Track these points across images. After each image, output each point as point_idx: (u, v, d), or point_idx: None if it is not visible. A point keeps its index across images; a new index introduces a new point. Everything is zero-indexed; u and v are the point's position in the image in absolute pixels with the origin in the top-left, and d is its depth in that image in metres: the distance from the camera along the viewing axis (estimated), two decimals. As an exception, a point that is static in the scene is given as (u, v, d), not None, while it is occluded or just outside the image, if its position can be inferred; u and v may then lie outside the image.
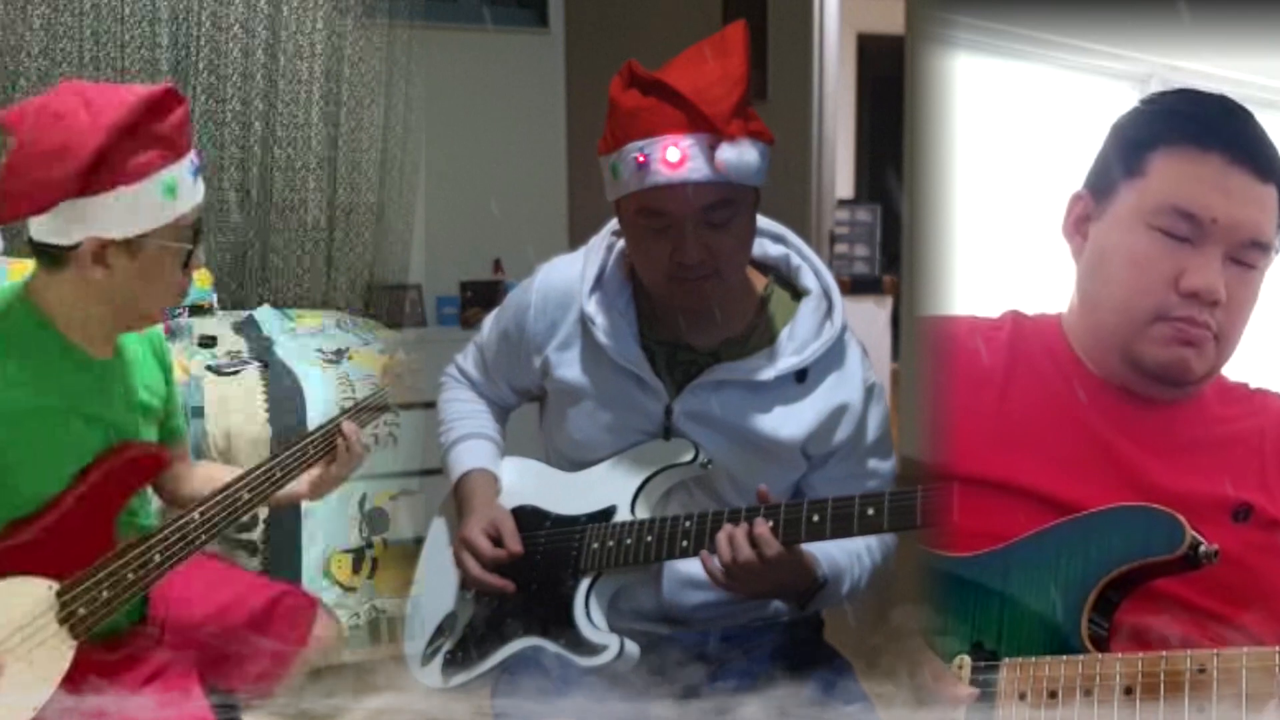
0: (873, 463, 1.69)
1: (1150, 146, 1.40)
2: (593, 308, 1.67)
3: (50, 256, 1.49)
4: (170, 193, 1.47)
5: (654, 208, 1.55)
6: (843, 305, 1.68)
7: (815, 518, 1.50)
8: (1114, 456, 1.40)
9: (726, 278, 1.60)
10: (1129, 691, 1.20)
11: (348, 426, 1.75)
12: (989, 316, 1.51)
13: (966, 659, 1.32)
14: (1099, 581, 1.27)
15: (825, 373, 1.65)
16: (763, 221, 1.68)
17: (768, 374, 1.62)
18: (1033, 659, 1.27)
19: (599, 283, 1.70)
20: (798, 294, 1.69)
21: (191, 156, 1.51)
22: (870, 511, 1.48)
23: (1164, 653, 1.20)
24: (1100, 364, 1.44)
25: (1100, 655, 1.23)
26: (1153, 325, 1.38)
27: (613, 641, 1.57)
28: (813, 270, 1.70)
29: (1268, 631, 1.24)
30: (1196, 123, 1.38)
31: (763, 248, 1.71)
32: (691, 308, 1.63)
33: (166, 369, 1.74)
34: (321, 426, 1.76)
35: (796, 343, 1.64)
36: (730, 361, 1.64)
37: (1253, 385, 1.47)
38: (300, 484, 1.73)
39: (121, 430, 1.59)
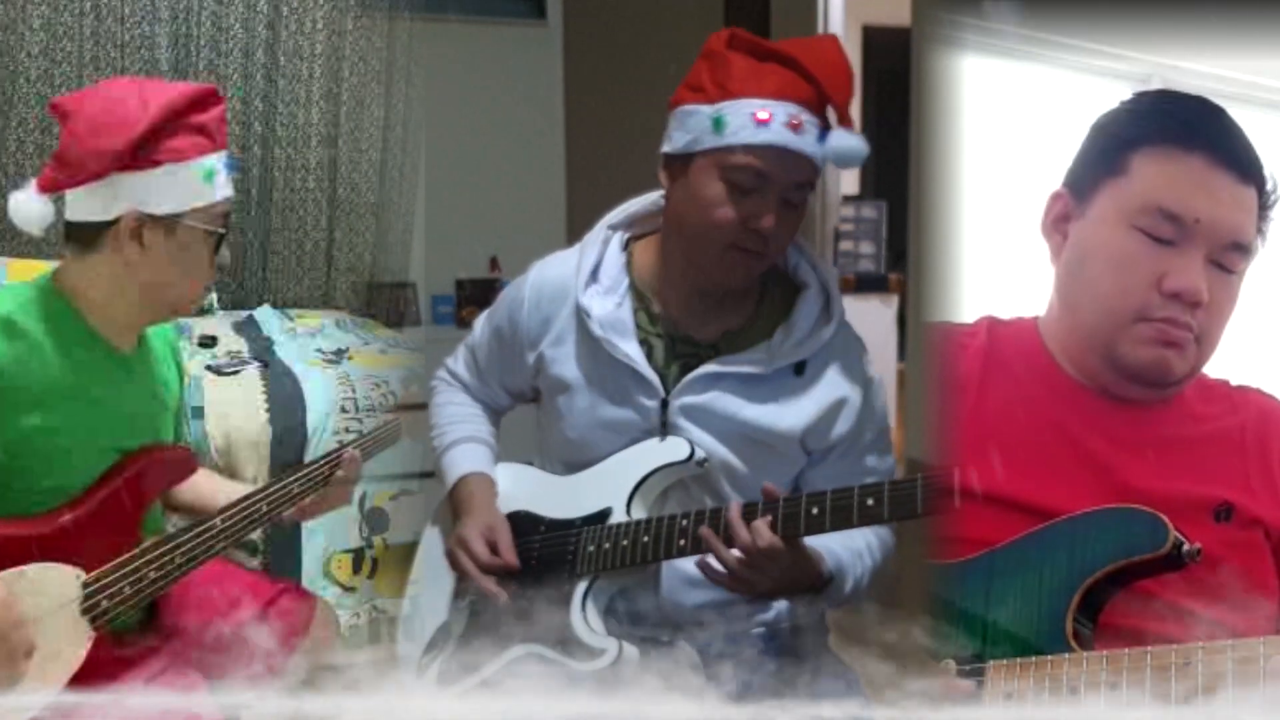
0: (871, 460, 1.68)
1: (1132, 146, 1.38)
2: (588, 300, 1.66)
3: (85, 238, 1.54)
4: (209, 178, 1.57)
5: (759, 167, 1.54)
6: (840, 299, 1.67)
7: (814, 510, 1.49)
8: (1093, 460, 1.39)
9: (773, 261, 1.62)
10: (1115, 688, 1.19)
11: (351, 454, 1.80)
12: (964, 323, 1.50)
13: (951, 662, 1.31)
14: (1083, 582, 1.26)
15: (824, 366, 1.64)
16: None
17: (765, 367, 1.62)
18: (1018, 660, 1.26)
19: (595, 275, 1.68)
20: (796, 288, 1.68)
21: (226, 154, 1.61)
22: (870, 502, 1.46)
23: (1149, 648, 1.19)
24: (1079, 365, 1.43)
25: (1085, 654, 1.23)
26: (1134, 325, 1.37)
27: (610, 645, 1.55)
28: (810, 264, 1.69)
29: (1252, 629, 1.22)
30: (1179, 122, 1.37)
31: None
32: (731, 283, 1.62)
33: (180, 370, 1.78)
34: (336, 451, 1.81)
35: (795, 336, 1.63)
36: (728, 354, 1.63)
37: (1234, 383, 1.46)
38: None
39: (144, 425, 1.63)
